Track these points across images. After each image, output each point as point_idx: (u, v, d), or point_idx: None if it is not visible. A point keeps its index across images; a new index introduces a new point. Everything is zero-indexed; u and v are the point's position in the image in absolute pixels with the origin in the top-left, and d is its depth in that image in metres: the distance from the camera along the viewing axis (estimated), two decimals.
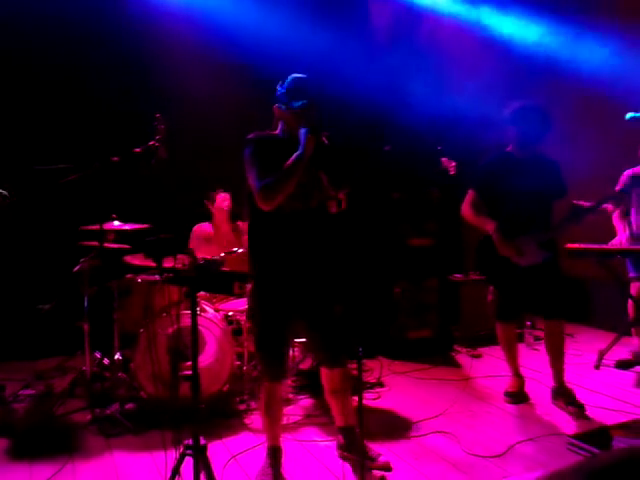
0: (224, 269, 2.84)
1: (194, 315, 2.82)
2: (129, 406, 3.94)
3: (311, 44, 5.65)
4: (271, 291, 2.96)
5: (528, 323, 5.52)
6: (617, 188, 4.79)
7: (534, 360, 4.82)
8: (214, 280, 2.51)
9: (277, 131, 3.03)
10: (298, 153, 2.78)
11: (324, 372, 3.10)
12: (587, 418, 3.76)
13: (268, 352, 2.99)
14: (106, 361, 4.33)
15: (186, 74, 5.38)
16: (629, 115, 4.26)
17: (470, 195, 4.00)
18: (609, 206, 4.01)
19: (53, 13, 4.98)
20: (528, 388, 4.20)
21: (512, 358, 4.18)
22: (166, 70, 5.35)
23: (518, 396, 4.09)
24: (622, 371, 4.65)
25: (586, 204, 3.98)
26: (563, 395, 3.96)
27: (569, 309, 5.54)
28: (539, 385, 4.32)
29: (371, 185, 5.16)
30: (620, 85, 5.54)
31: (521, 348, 5.19)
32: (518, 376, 4.17)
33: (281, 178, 2.76)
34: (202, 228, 4.87)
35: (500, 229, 3.83)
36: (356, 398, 2.69)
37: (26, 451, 3.44)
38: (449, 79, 6.63)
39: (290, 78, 2.96)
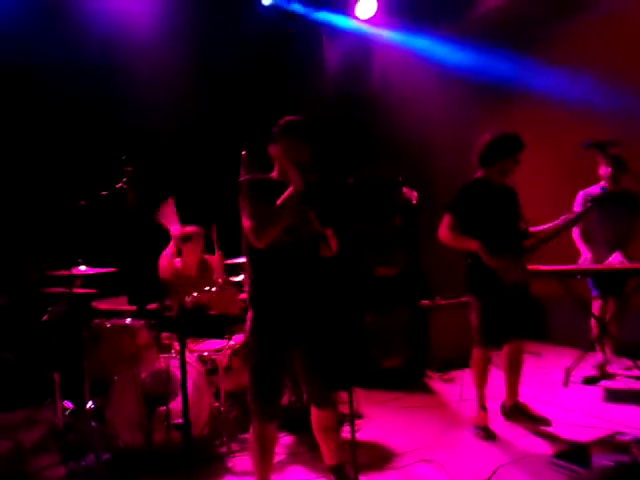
0: (213, 312, 2.82)
1: (183, 361, 2.79)
2: (105, 456, 3.82)
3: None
4: (269, 325, 2.97)
5: None
6: (574, 209, 5.01)
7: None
8: (204, 324, 2.48)
9: (273, 173, 3.08)
10: (288, 190, 2.84)
11: (315, 411, 3.08)
12: (548, 422, 4.04)
13: (264, 390, 2.97)
14: (78, 410, 4.18)
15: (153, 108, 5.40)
16: (587, 143, 4.47)
17: (448, 219, 4.05)
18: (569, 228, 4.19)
19: None
20: (499, 409, 4.31)
21: (482, 387, 4.13)
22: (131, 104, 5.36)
23: (488, 431, 4.02)
24: (590, 387, 4.79)
25: (543, 228, 4.14)
26: (522, 412, 4.17)
27: (534, 328, 5.71)
28: None
29: (337, 218, 5.24)
30: (568, 112, 5.83)
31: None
32: (485, 409, 4.11)
33: (272, 216, 2.83)
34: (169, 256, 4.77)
35: (485, 247, 3.92)
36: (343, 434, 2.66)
37: None
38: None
39: (283, 120, 3.03)
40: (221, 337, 3.53)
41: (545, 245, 4.13)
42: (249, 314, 3.03)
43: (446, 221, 4.06)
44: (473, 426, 4.11)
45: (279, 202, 2.84)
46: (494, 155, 4.02)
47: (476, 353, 4.12)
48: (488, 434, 4.00)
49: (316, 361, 3.02)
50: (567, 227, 4.21)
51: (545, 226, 4.14)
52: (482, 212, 4.00)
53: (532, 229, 4.17)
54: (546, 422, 4.08)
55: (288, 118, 3.04)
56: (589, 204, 4.20)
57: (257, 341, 2.98)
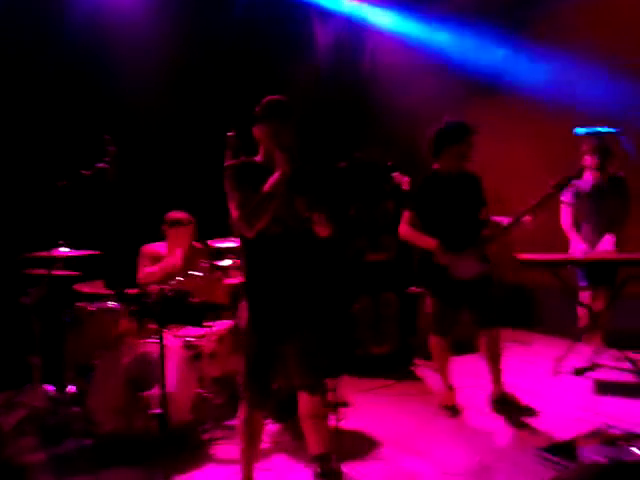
0: (194, 300, 2.72)
1: (161, 349, 2.70)
2: (86, 442, 3.74)
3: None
4: (261, 313, 2.92)
5: None
6: (562, 199, 4.95)
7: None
8: (184, 312, 2.39)
9: (258, 156, 2.98)
10: (275, 175, 2.75)
11: (304, 398, 3.01)
12: (535, 414, 4.01)
13: (257, 378, 2.93)
14: (59, 395, 4.10)
15: (137, 86, 5.27)
16: (579, 130, 4.41)
17: (407, 215, 4.11)
18: (528, 218, 4.09)
19: None
20: (487, 399, 4.26)
21: (444, 371, 4.30)
22: (116, 83, 5.22)
23: (454, 409, 4.20)
24: (579, 378, 4.75)
25: (504, 219, 4.10)
26: (508, 403, 4.13)
27: (517, 316, 5.71)
28: None
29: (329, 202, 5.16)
30: (558, 99, 5.75)
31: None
32: (451, 389, 4.28)
33: (260, 203, 2.74)
34: (152, 248, 4.64)
35: (442, 246, 3.95)
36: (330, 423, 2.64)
37: None
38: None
39: (266, 100, 2.92)
40: (199, 325, 3.44)
41: (506, 235, 4.09)
42: (243, 302, 2.97)
43: (405, 217, 4.10)
44: (440, 405, 4.24)
45: (265, 188, 2.75)
46: (441, 144, 4.04)
47: (431, 340, 4.27)
48: (453, 411, 4.16)
49: (309, 347, 2.96)
50: (528, 215, 4.10)
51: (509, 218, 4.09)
52: (437, 204, 4.03)
53: (495, 218, 4.14)
54: (532, 413, 4.05)
55: (270, 98, 2.94)
56: (552, 191, 4.08)
57: (251, 329, 2.92)
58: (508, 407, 4.12)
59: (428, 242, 3.99)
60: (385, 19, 7.15)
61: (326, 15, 7.12)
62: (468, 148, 4.02)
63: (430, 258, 4.00)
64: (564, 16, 5.94)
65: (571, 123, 4.70)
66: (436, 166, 4.13)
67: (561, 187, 4.10)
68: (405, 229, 4.10)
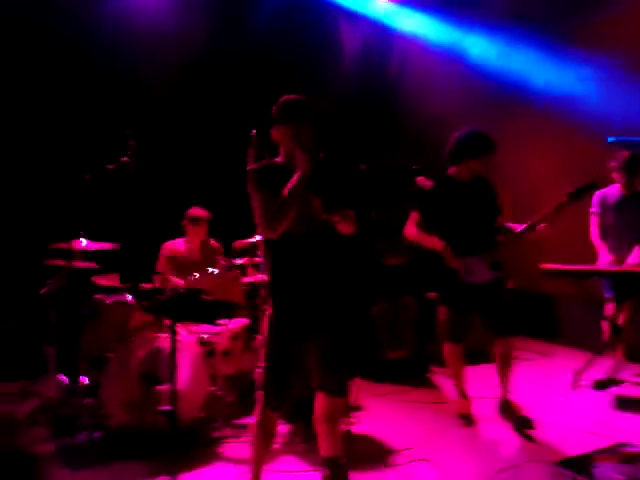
0: (208, 298, 2.70)
1: (173, 344, 2.68)
2: (97, 434, 3.74)
3: None
4: (286, 312, 2.88)
5: None
6: (591, 210, 4.85)
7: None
8: (197, 309, 2.37)
9: (279, 158, 2.95)
10: (295, 176, 2.72)
11: (323, 399, 2.94)
12: (533, 427, 3.90)
13: (277, 377, 2.87)
14: (72, 386, 4.12)
15: (162, 84, 5.31)
16: (611, 138, 4.32)
17: (414, 216, 4.08)
18: (542, 225, 4.00)
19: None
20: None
21: (459, 379, 4.25)
22: (143, 80, 5.27)
23: (469, 418, 4.13)
24: (599, 392, 4.63)
25: (519, 226, 4.02)
26: (508, 410, 4.08)
27: (540, 328, 5.59)
28: None
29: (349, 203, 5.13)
30: (588, 109, 5.65)
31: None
32: (466, 397, 4.23)
33: (280, 207, 2.72)
34: (172, 246, 4.65)
35: (448, 247, 3.91)
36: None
37: None
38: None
39: (282, 100, 2.89)
40: (212, 323, 3.42)
41: (519, 241, 4.01)
42: (269, 302, 2.94)
43: (412, 218, 4.07)
44: (455, 414, 4.17)
45: (285, 191, 2.73)
46: (461, 154, 3.99)
47: (445, 347, 4.23)
48: (468, 421, 4.09)
49: (331, 346, 2.91)
50: (544, 222, 3.97)
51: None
52: (449, 210, 3.99)
53: (510, 224, 4.07)
54: (530, 425, 3.94)
55: (286, 97, 2.89)
56: (565, 199, 3.98)
57: (275, 328, 2.88)
58: (508, 414, 4.06)
59: (435, 243, 3.95)
60: (413, 23, 7.12)
61: (354, 19, 7.11)
62: (486, 164, 3.98)
63: (441, 263, 3.95)
64: (599, 26, 5.81)
65: (601, 133, 4.61)
66: (452, 171, 4.08)
67: (574, 196, 4.00)
68: (411, 230, 4.07)
